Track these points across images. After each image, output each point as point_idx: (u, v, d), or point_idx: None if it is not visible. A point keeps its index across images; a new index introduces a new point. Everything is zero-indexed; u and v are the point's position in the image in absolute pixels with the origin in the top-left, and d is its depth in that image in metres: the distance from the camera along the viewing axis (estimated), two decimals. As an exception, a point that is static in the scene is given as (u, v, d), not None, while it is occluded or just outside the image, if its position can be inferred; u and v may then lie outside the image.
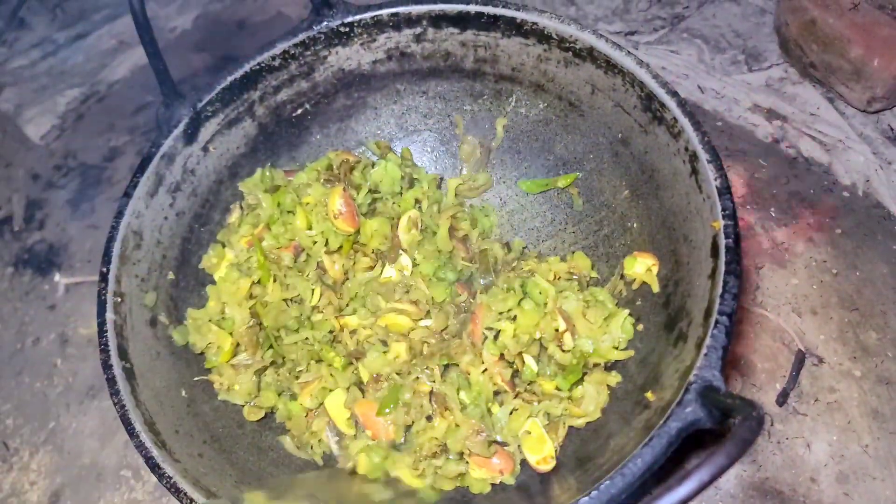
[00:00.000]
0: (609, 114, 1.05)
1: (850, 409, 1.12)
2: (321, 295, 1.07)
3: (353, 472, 0.96)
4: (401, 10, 1.11)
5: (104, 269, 0.96)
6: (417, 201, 1.16)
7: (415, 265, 1.11)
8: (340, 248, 1.09)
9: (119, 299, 0.96)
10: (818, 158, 1.40)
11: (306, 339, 1.03)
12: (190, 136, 1.09)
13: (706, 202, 0.85)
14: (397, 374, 1.00)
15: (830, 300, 1.22)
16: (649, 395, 0.81)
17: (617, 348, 0.95)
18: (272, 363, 1.05)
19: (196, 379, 1.02)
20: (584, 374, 0.96)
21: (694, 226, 0.88)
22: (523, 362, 0.97)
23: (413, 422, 0.95)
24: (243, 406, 1.04)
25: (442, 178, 1.25)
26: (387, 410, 0.95)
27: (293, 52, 1.13)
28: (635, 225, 1.05)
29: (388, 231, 1.10)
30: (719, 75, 1.57)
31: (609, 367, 0.98)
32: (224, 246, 1.12)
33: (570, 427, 0.96)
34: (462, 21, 1.10)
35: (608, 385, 0.95)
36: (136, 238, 1.01)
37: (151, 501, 1.21)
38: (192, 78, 1.86)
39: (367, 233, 1.10)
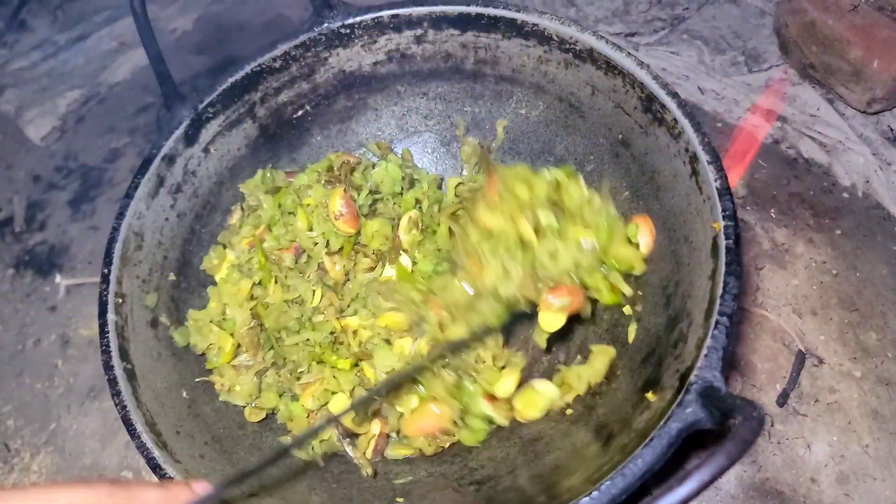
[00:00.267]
0: (609, 115, 1.05)
1: (851, 410, 1.12)
2: (322, 296, 1.07)
3: None
4: (401, 11, 1.12)
5: (105, 271, 0.96)
6: (418, 201, 1.16)
7: (414, 264, 1.11)
8: (341, 249, 1.09)
9: (120, 300, 0.96)
10: (818, 159, 1.40)
11: (307, 340, 1.03)
12: (191, 138, 1.09)
13: (706, 203, 0.85)
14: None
15: (830, 301, 1.22)
16: (650, 395, 0.81)
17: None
18: (273, 364, 1.05)
19: (197, 380, 1.03)
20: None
21: (694, 227, 0.88)
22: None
23: None
24: (244, 407, 1.04)
25: (442, 179, 1.25)
26: None
27: (294, 53, 1.13)
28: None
29: (388, 232, 1.11)
30: (719, 76, 1.57)
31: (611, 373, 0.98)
32: (225, 247, 1.12)
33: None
34: (462, 22, 1.11)
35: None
36: (137, 239, 1.02)
37: (152, 502, 1.21)
38: (192, 79, 1.87)
39: (368, 234, 1.10)
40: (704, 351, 0.73)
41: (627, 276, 0.97)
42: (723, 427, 0.68)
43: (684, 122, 0.90)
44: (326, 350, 1.03)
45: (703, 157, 0.86)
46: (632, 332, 0.98)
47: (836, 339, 1.18)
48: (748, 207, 1.35)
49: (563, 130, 1.14)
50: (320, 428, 0.95)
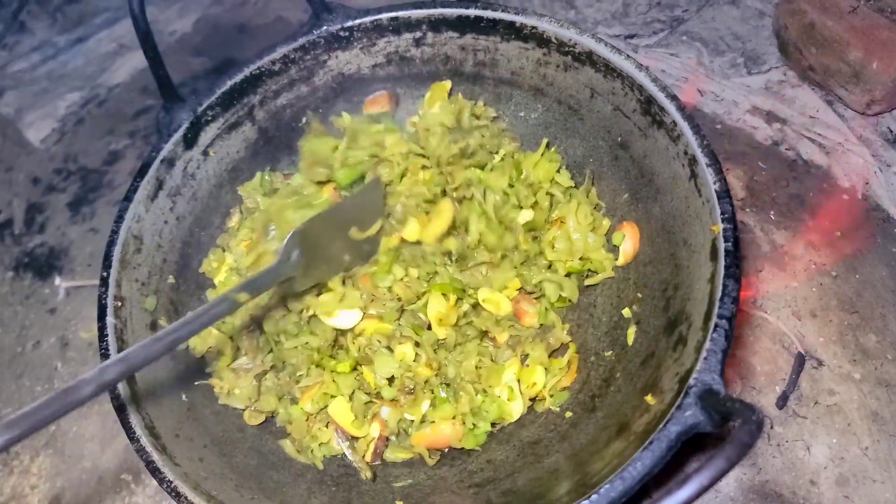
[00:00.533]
0: (608, 117, 1.05)
1: (850, 412, 1.12)
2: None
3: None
4: (400, 14, 1.12)
5: (104, 274, 0.96)
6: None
7: None
8: None
9: (119, 303, 0.96)
10: (817, 161, 1.40)
11: (306, 343, 1.03)
12: (190, 141, 1.09)
13: (705, 206, 0.85)
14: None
15: (830, 303, 1.22)
16: (649, 398, 0.81)
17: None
18: (272, 367, 1.05)
19: (196, 383, 1.03)
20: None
21: (693, 229, 0.88)
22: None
23: None
24: (244, 410, 1.04)
25: None
26: None
27: (293, 56, 1.13)
28: (634, 223, 1.06)
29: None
30: (718, 78, 1.57)
31: (609, 372, 0.99)
32: (224, 250, 1.12)
33: (570, 436, 0.96)
34: (461, 25, 1.11)
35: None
36: (136, 242, 1.02)
37: (152, 505, 1.22)
38: (191, 81, 1.87)
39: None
40: (704, 354, 0.73)
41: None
42: (722, 430, 0.68)
43: (683, 125, 0.90)
44: (325, 354, 1.03)
45: (702, 160, 0.86)
46: (631, 334, 0.98)
47: (835, 341, 1.18)
48: (747, 209, 1.34)
49: (562, 133, 1.14)
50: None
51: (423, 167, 1.09)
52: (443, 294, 1.03)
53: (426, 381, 1.01)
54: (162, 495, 1.21)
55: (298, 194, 1.11)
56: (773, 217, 1.33)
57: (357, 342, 1.04)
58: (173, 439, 0.90)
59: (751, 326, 1.21)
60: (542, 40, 1.06)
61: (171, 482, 0.82)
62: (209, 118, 1.10)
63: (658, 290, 0.96)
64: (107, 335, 0.92)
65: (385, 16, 1.12)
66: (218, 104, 1.11)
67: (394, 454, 1.02)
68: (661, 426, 0.69)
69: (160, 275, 1.05)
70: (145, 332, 0.99)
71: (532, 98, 1.15)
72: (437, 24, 1.12)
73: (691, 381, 0.71)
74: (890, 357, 1.16)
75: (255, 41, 1.95)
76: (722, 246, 0.79)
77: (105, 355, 0.91)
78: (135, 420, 0.86)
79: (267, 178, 1.15)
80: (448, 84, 1.17)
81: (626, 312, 1.01)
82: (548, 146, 1.15)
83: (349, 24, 1.13)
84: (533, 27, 1.06)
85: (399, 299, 1.05)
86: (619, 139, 1.05)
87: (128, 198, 1.02)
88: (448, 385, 1.02)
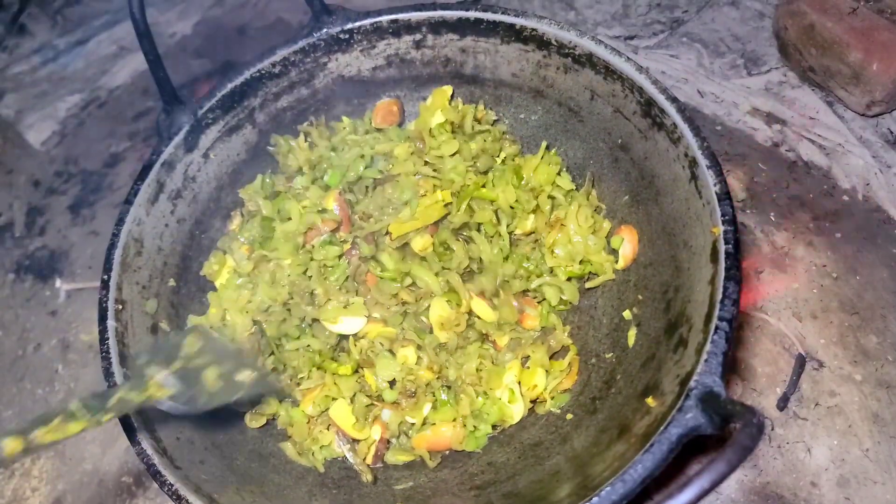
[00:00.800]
0: (609, 119, 1.05)
1: (851, 413, 1.12)
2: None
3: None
4: (400, 16, 1.12)
5: (105, 277, 0.96)
6: None
7: None
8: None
9: (120, 306, 0.96)
10: (818, 162, 1.40)
11: (308, 346, 1.03)
12: (191, 144, 1.09)
13: (706, 208, 0.85)
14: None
15: (830, 304, 1.22)
16: (650, 400, 0.81)
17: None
18: (273, 370, 1.05)
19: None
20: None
21: (694, 231, 0.88)
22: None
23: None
24: (245, 413, 1.04)
25: None
26: None
27: (293, 58, 1.13)
28: (633, 226, 1.06)
29: None
30: (718, 79, 1.57)
31: (609, 374, 0.99)
32: (225, 253, 1.12)
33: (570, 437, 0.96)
34: (461, 27, 1.11)
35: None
36: (137, 245, 1.02)
37: (153, 508, 1.22)
38: (192, 84, 1.87)
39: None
40: (704, 356, 0.73)
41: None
42: (723, 432, 0.68)
43: (683, 127, 0.90)
44: (326, 357, 1.03)
45: (703, 162, 0.86)
46: (632, 336, 0.98)
47: (836, 342, 1.18)
48: (748, 211, 1.35)
49: (562, 135, 1.14)
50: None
51: (435, 186, 1.10)
52: (446, 300, 1.03)
53: (427, 384, 1.01)
54: (163, 498, 1.21)
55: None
56: (773, 218, 1.33)
57: (359, 345, 1.04)
58: (174, 442, 0.90)
59: (751, 328, 1.21)
60: (542, 42, 1.06)
61: (173, 485, 0.82)
62: (210, 121, 1.10)
63: (659, 292, 0.96)
64: (108, 338, 0.92)
65: (385, 18, 1.12)
66: (218, 107, 1.10)
67: (395, 457, 1.02)
68: (661, 428, 0.69)
69: (161, 278, 1.05)
70: (146, 335, 0.99)
71: (532, 100, 1.15)
72: (437, 27, 1.12)
73: (692, 384, 0.71)
74: (891, 358, 1.16)
75: (255, 43, 1.95)
76: (722, 248, 0.79)
77: (106, 358, 0.91)
78: (136, 423, 0.86)
79: (268, 180, 1.15)
80: (449, 89, 1.17)
81: (627, 314, 1.01)
82: (548, 148, 1.16)
83: (349, 26, 1.13)
84: (533, 29, 1.06)
85: (403, 303, 1.05)
86: (620, 141, 1.05)
87: (128, 201, 1.02)
88: (449, 388, 1.02)
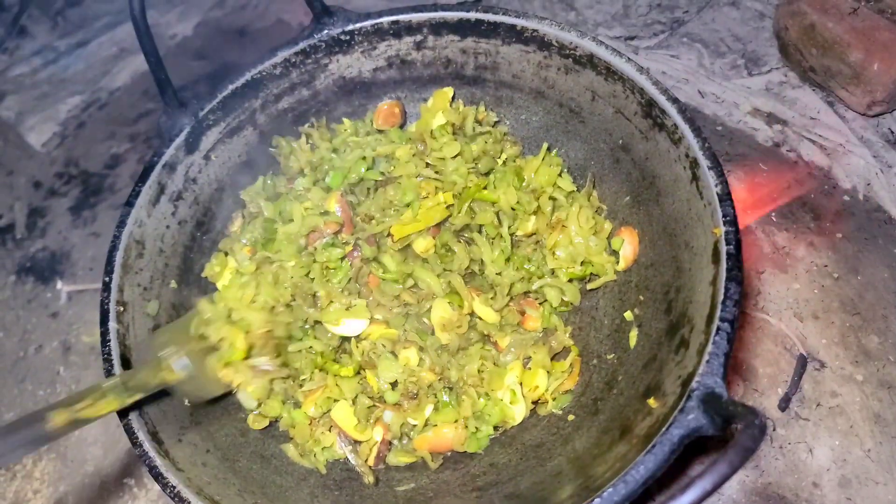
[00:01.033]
0: (610, 120, 1.05)
1: (852, 414, 1.12)
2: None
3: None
4: (401, 18, 1.12)
5: (107, 279, 0.96)
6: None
7: None
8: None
9: (122, 308, 0.96)
10: (818, 162, 1.40)
11: (310, 348, 1.03)
12: (191, 145, 1.09)
13: (707, 208, 0.85)
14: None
15: (832, 304, 1.22)
16: (651, 401, 0.81)
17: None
18: (288, 377, 1.05)
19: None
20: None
21: (695, 232, 0.88)
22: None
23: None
24: (247, 415, 1.04)
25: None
26: None
27: (294, 60, 1.14)
28: (633, 227, 1.06)
29: None
30: (719, 80, 1.57)
31: (609, 377, 0.99)
32: (227, 254, 1.12)
33: (572, 438, 0.96)
34: (462, 28, 1.11)
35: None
36: (138, 247, 1.02)
37: (154, 509, 1.22)
38: (192, 85, 1.87)
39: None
40: (706, 357, 0.73)
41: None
42: (725, 433, 0.68)
43: (684, 128, 0.90)
44: (328, 359, 1.03)
45: (704, 163, 0.86)
46: (633, 337, 0.98)
47: (837, 342, 1.18)
48: (748, 211, 1.34)
49: (563, 136, 1.14)
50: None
51: (437, 188, 1.10)
52: (448, 301, 1.03)
53: (429, 386, 1.01)
54: (165, 500, 1.21)
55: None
56: (774, 219, 1.33)
57: (361, 346, 1.04)
58: (176, 444, 0.90)
59: (753, 328, 1.21)
60: (543, 43, 1.06)
61: (174, 487, 0.82)
62: (210, 122, 1.10)
63: (660, 293, 0.96)
64: (109, 340, 0.92)
65: (386, 19, 1.12)
66: (219, 108, 1.11)
67: (396, 458, 1.02)
68: (663, 429, 0.69)
69: (162, 279, 1.05)
70: (148, 336, 0.99)
71: (533, 101, 1.15)
72: (437, 28, 1.12)
73: (694, 385, 0.71)
74: (892, 358, 1.16)
75: (255, 45, 1.95)
76: (723, 249, 0.79)
77: (108, 360, 0.91)
78: (137, 425, 0.87)
79: (269, 182, 1.15)
80: (450, 91, 1.17)
81: (628, 315, 1.01)
82: (549, 149, 1.16)
83: (350, 27, 1.13)
84: (534, 30, 1.06)
85: (405, 305, 1.05)
86: (621, 142, 1.05)
87: (129, 202, 1.02)
88: (451, 389, 1.02)
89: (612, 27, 1.74)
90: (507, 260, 1.07)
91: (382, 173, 1.13)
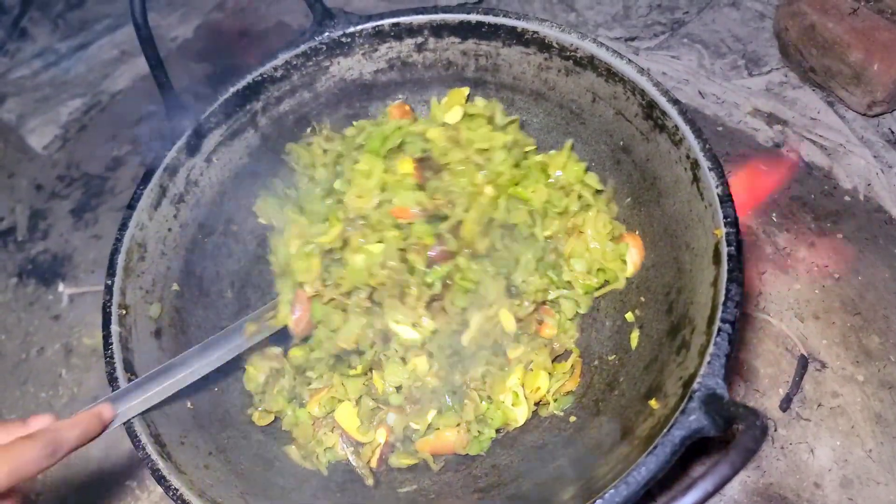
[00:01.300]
0: (610, 122, 1.05)
1: (854, 414, 1.12)
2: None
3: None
4: (402, 20, 1.12)
5: (108, 282, 0.96)
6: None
7: None
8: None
9: (124, 311, 0.96)
10: (819, 163, 1.40)
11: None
12: (193, 148, 1.09)
13: (708, 210, 0.85)
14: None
15: (833, 305, 1.22)
16: (653, 403, 0.81)
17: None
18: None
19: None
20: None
21: (696, 233, 0.88)
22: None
23: None
24: (251, 413, 1.04)
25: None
26: None
27: (295, 62, 1.14)
28: (637, 232, 1.06)
29: None
30: (719, 80, 1.57)
31: (610, 379, 0.99)
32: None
33: (573, 437, 0.96)
34: (463, 30, 1.11)
35: None
36: (140, 250, 1.02)
37: (157, 511, 1.22)
38: (193, 87, 1.87)
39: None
40: (707, 358, 0.73)
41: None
42: (726, 434, 0.68)
43: (685, 129, 0.90)
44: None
45: (705, 164, 0.86)
46: (634, 338, 0.98)
47: (838, 343, 1.18)
48: (749, 212, 1.35)
49: (563, 137, 1.14)
50: None
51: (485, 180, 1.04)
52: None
53: (433, 391, 1.01)
54: (167, 502, 1.21)
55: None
56: (774, 219, 1.33)
57: (374, 347, 1.01)
58: (178, 446, 0.90)
59: (754, 329, 1.21)
60: (543, 45, 1.06)
61: (177, 489, 0.82)
62: (212, 125, 1.10)
63: (661, 294, 0.96)
64: (111, 343, 0.92)
65: (387, 21, 1.13)
66: (220, 111, 1.11)
67: (398, 460, 1.02)
68: (665, 431, 0.69)
69: (164, 282, 1.05)
70: (150, 339, 0.99)
71: (534, 103, 1.15)
72: (438, 30, 1.12)
73: (695, 386, 0.71)
74: (893, 359, 1.16)
75: (256, 47, 1.95)
76: (724, 250, 0.79)
77: (110, 363, 0.91)
78: (140, 427, 0.87)
79: (285, 190, 1.16)
80: (465, 90, 1.16)
81: (630, 316, 1.01)
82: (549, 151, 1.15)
83: (351, 29, 1.13)
84: (534, 32, 1.06)
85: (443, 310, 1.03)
86: (621, 143, 1.05)
87: (131, 205, 1.02)
88: (454, 392, 1.01)
89: (613, 28, 1.74)
90: (535, 267, 1.04)
91: (423, 150, 1.06)
